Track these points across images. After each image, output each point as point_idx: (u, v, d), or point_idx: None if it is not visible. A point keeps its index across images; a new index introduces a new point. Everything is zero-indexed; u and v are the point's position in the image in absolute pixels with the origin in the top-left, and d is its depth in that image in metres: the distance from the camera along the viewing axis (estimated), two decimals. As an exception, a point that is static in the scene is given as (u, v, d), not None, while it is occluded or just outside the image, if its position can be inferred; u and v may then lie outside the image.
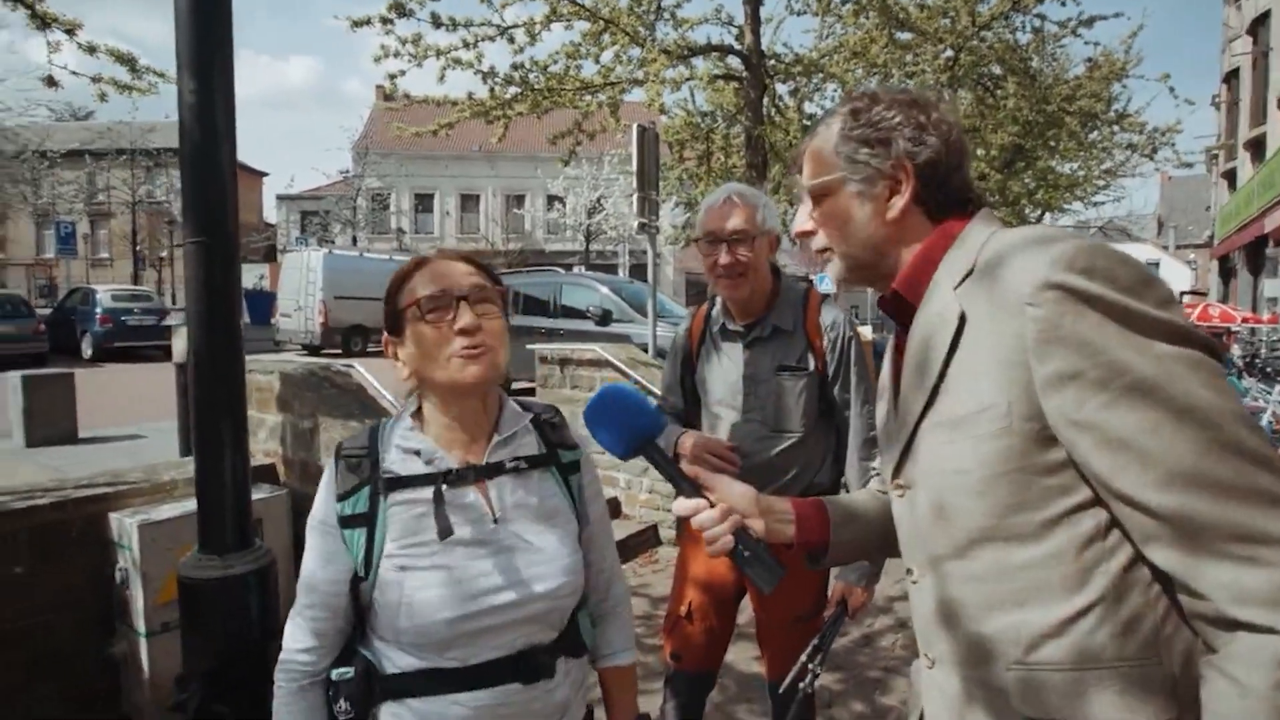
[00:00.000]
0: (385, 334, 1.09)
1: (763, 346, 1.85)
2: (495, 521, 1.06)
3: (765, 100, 5.42)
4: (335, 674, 1.04)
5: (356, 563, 1.03)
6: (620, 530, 4.71)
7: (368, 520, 1.03)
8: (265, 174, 40.66)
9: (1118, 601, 0.78)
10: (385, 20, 4.32)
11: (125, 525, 2.52)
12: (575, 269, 15.53)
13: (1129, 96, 9.74)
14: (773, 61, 5.60)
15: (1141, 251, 41.40)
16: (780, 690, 1.71)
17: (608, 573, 1.22)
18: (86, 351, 14.36)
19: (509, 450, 1.10)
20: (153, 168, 28.80)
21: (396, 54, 4.63)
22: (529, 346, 6.05)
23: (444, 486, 1.03)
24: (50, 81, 2.86)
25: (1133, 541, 0.77)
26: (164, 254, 29.48)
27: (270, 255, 33.48)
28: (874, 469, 1.20)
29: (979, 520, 0.84)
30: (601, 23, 4.60)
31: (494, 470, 1.08)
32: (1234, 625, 0.69)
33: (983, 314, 0.82)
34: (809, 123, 6.03)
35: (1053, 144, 9.03)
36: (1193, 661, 0.77)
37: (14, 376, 6.50)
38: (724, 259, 1.74)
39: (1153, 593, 0.78)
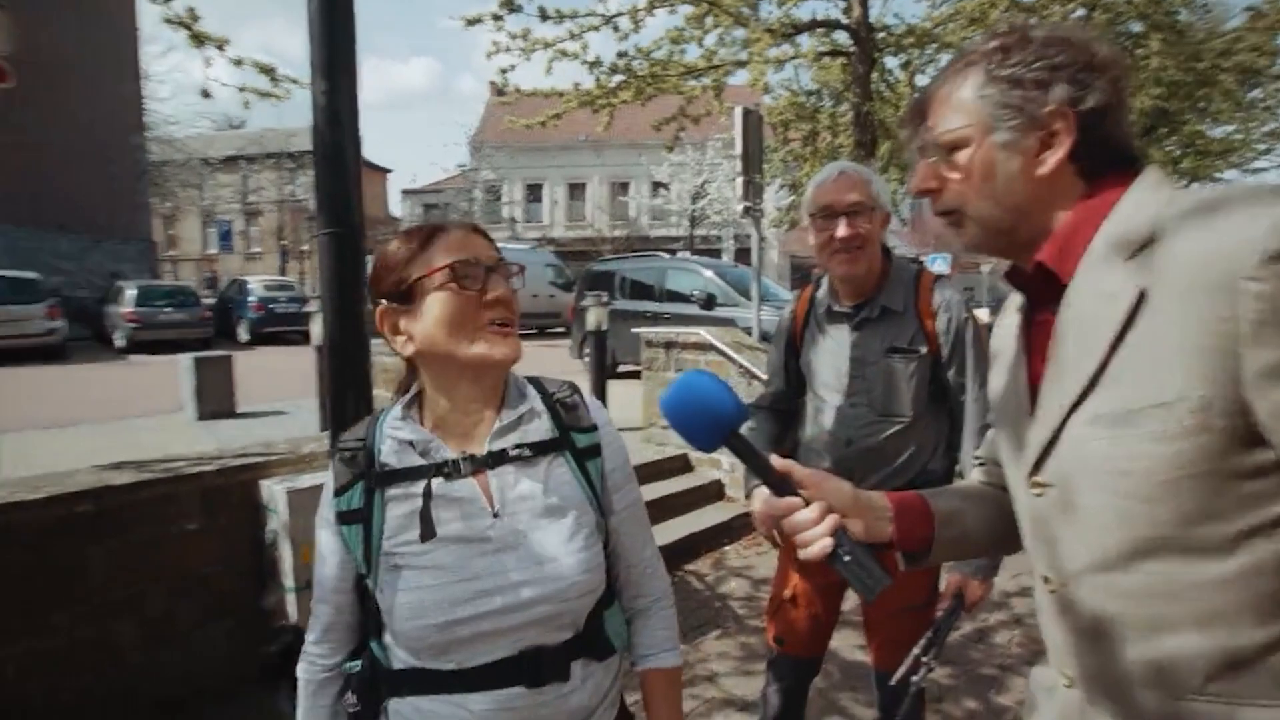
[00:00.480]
0: (381, 307, 0.97)
1: (872, 328, 1.79)
2: (495, 516, 0.96)
3: (874, 75, 5.21)
4: (347, 666, 1.03)
5: (357, 560, 0.98)
6: (723, 513, 4.74)
7: (363, 516, 0.97)
8: (389, 170, 43.29)
9: None
10: (496, 17, 4.51)
11: (275, 491, 2.84)
12: (680, 254, 15.57)
13: None
14: (882, 34, 5.37)
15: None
16: (892, 682, 1.66)
17: (641, 566, 1.10)
18: (242, 336, 15.96)
19: (514, 436, 1.00)
20: (295, 169, 31.47)
21: (507, 49, 4.82)
22: (634, 330, 6.16)
23: (440, 480, 0.96)
24: (205, 93, 3.23)
25: None
26: (305, 247, 32.17)
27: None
28: (978, 457, 1.09)
29: (1151, 529, 0.72)
30: (705, 5, 4.58)
31: (496, 459, 0.98)
32: None
33: (1171, 292, 0.69)
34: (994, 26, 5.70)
35: (1203, 106, 8.10)
36: None
37: (185, 358, 7.37)
38: (842, 231, 1.68)
39: None
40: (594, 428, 1.06)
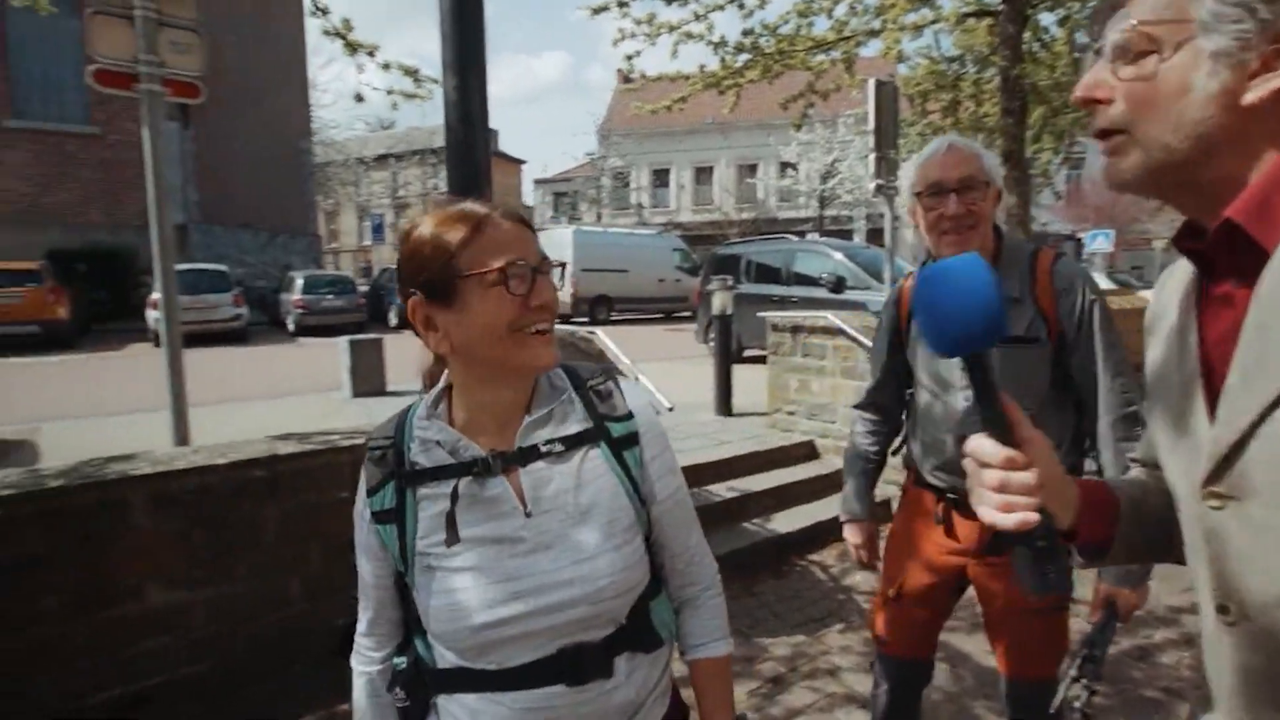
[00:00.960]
0: (415, 298, 0.91)
1: (994, 272, 1.65)
2: (527, 515, 0.92)
3: (1026, 35, 4.77)
4: (395, 661, 1.01)
5: (395, 559, 0.95)
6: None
7: (397, 516, 0.93)
8: (524, 162, 45.01)
9: None
10: (621, 3, 4.55)
11: (417, 463, 3.06)
12: (809, 236, 15.14)
13: None
14: (1037, -12, 4.90)
15: None
16: (1051, 712, 1.49)
17: (687, 555, 1.05)
18: (392, 321, 17.31)
19: (546, 431, 0.95)
20: (437, 164, 33.66)
21: (633, 35, 4.84)
22: (759, 314, 6.06)
23: (469, 480, 0.92)
24: (358, 97, 3.51)
25: None
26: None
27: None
28: (1133, 456, 0.98)
29: None
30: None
31: (527, 456, 0.93)
32: None
33: None
34: (1080, 55, 5.17)
35: None
36: None
37: (342, 341, 8.11)
38: (953, 208, 1.56)
39: None
40: (629, 415, 1.00)
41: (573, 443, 0.96)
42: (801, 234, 16.25)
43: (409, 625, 1.00)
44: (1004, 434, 0.75)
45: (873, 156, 5.17)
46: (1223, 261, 0.68)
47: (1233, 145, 0.64)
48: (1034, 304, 1.62)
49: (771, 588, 3.72)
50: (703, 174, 33.05)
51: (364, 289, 19.23)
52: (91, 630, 2.58)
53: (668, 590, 1.05)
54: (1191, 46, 0.63)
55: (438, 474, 0.93)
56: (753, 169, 31.69)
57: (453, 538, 0.91)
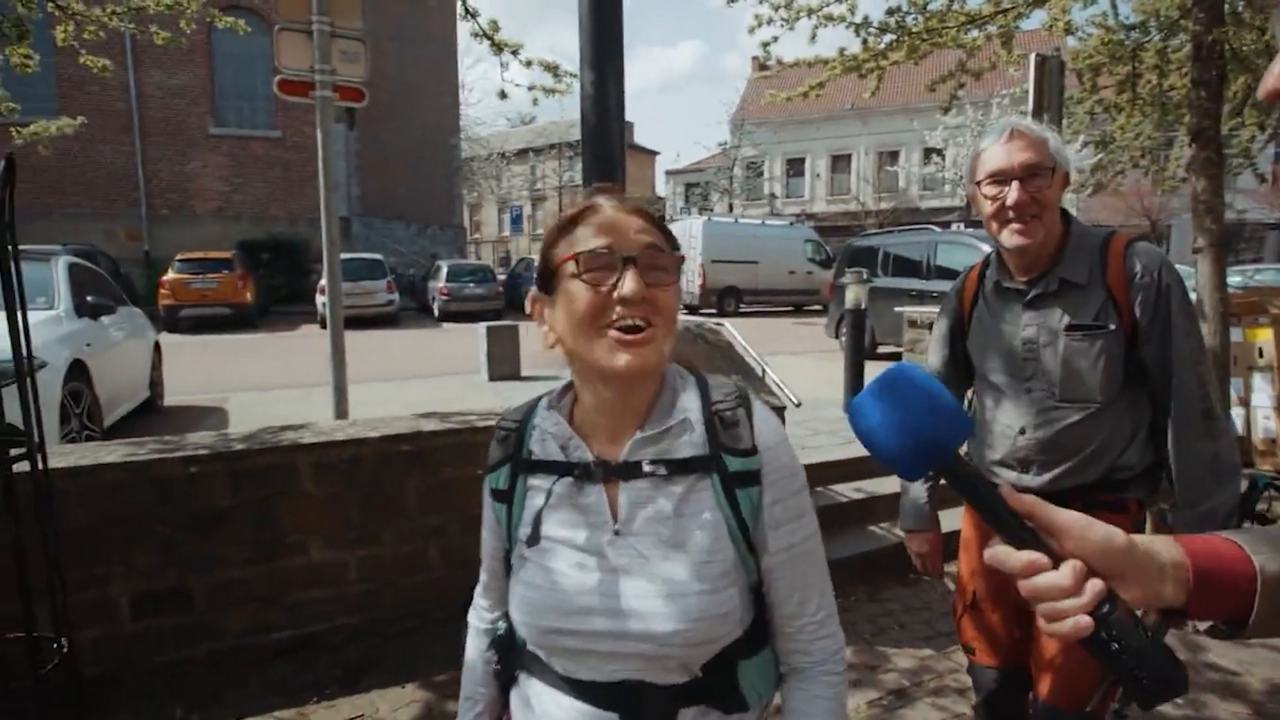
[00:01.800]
0: (533, 291, 0.91)
1: (1048, 304, 1.58)
2: (616, 533, 0.87)
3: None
4: (497, 625, 1.03)
5: (504, 536, 0.96)
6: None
7: (508, 498, 0.94)
8: (657, 153, 45.45)
9: None
10: (760, -11, 4.45)
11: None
12: (953, 226, 14.20)
13: None
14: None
15: None
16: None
17: (805, 618, 0.92)
18: (527, 308, 18.11)
19: (655, 449, 0.88)
20: (574, 157, 34.75)
21: (769, 20, 4.73)
22: (896, 309, 5.78)
23: (569, 481, 0.90)
24: (502, 94, 3.69)
25: None
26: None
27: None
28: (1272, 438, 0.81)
29: None
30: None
31: (630, 471, 0.88)
32: None
33: None
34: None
35: None
36: None
37: (480, 327, 8.59)
38: (1015, 196, 1.49)
39: None
40: (753, 451, 0.89)
41: (679, 468, 0.88)
42: (946, 224, 15.28)
43: None
44: (1020, 533, 0.64)
45: (1031, 139, 4.75)
46: None
47: None
48: (1105, 290, 1.54)
49: (898, 596, 3.55)
50: (840, 162, 31.88)
51: (502, 278, 20.24)
52: (266, 577, 2.91)
53: (776, 652, 0.94)
54: None
55: (548, 467, 0.91)
56: (894, 156, 30.14)
57: (534, 538, 0.90)
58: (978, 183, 1.57)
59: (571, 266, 0.83)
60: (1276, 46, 0.63)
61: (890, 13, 4.62)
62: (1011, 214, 1.51)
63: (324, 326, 15.45)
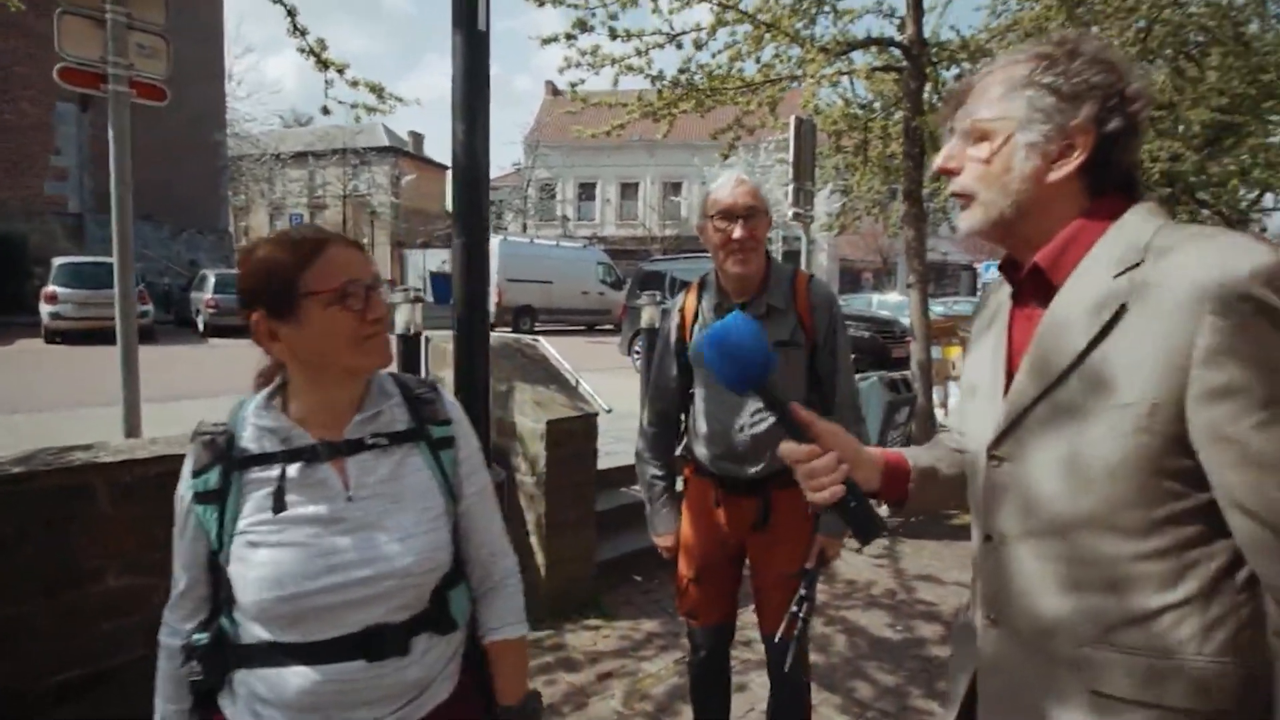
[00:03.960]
0: (258, 314, 1.01)
1: (760, 324, 1.98)
2: (349, 499, 1.04)
3: (926, 88, 5.43)
4: (194, 639, 1.07)
5: (210, 538, 1.03)
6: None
7: (219, 497, 1.02)
8: (448, 167, 44.33)
9: (1206, 604, 0.80)
10: (570, 36, 4.89)
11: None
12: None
13: None
14: (936, 49, 5.58)
15: None
16: (776, 640, 1.82)
17: (489, 547, 1.19)
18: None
19: (371, 427, 1.08)
20: (358, 165, 32.72)
21: (577, 64, 5.19)
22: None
23: (298, 464, 1.03)
24: (325, 110, 3.69)
25: (1229, 551, 0.79)
26: (365, 240, 33.37)
27: (450, 242, 36.89)
28: (945, 424, 1.30)
29: (1089, 507, 0.83)
30: (763, 27, 4.88)
31: (354, 447, 1.06)
32: None
33: (1149, 310, 0.78)
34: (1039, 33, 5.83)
35: (1271, 118, 8.00)
36: (1266, 669, 0.79)
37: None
38: (739, 233, 1.81)
39: (1240, 599, 0.80)
40: (448, 421, 1.15)
41: (397, 439, 1.09)
42: (723, 253, 16.90)
43: (216, 603, 1.07)
44: (801, 435, 0.97)
45: (791, 186, 5.70)
46: (1028, 289, 0.94)
47: (1041, 210, 0.88)
48: (795, 314, 1.92)
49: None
50: (628, 189, 33.65)
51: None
52: (51, 612, 2.65)
53: (469, 581, 1.17)
54: (1014, 138, 0.87)
55: (266, 459, 1.03)
56: (677, 187, 32.52)
57: (280, 506, 1.00)
58: (710, 217, 1.87)
59: (330, 296, 0.99)
60: (942, 136, 1.00)
61: (681, 70, 5.31)
62: (736, 246, 1.82)
63: (51, 340, 13.13)
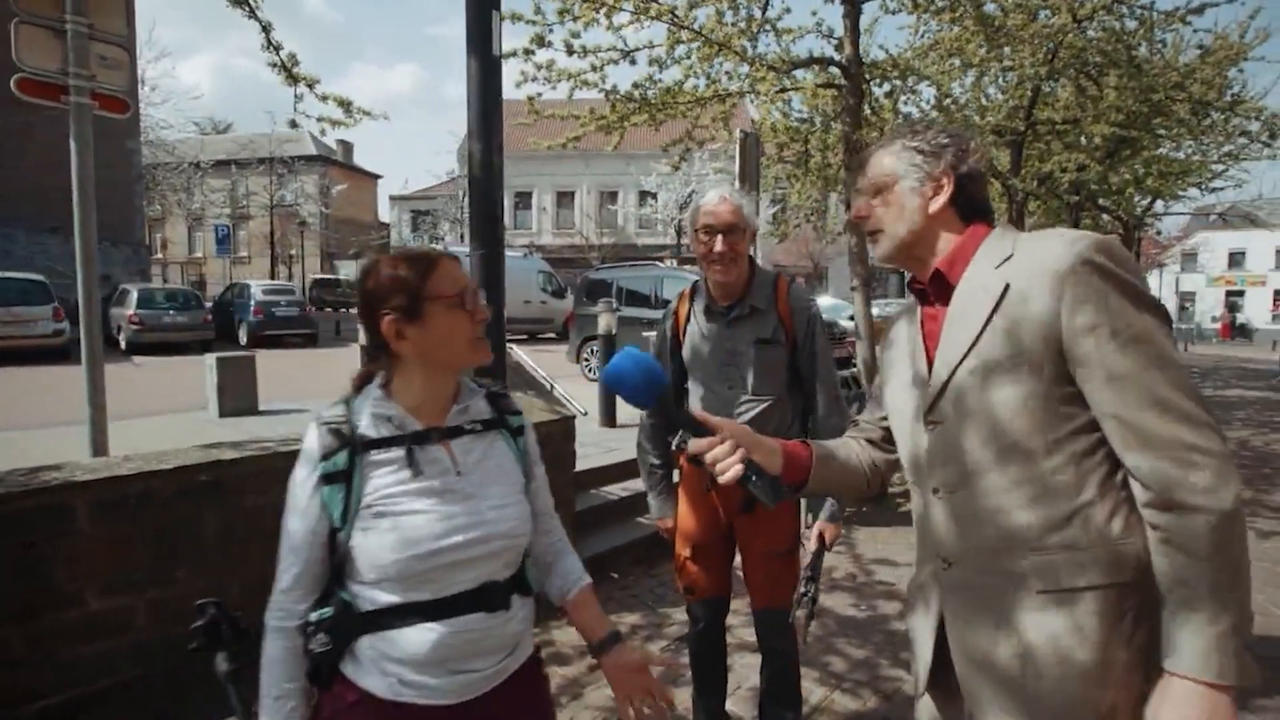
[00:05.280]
0: (390, 316, 1.17)
1: (743, 323, 2.10)
2: (458, 474, 1.22)
3: (863, 103, 5.79)
4: (314, 615, 1.18)
5: (333, 516, 1.16)
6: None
7: (346, 477, 1.16)
8: (380, 177, 43.36)
9: (1103, 499, 1.04)
10: (528, 51, 5.01)
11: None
12: (667, 262, 16.10)
13: (1244, 81, 9.19)
14: (869, 67, 5.95)
15: (1271, 238, 37.67)
16: (790, 620, 2.00)
17: (552, 519, 1.41)
18: (242, 339, 16.20)
19: (466, 416, 1.27)
20: (285, 174, 31.57)
21: (534, 79, 5.31)
22: (644, 334, 6.67)
23: (414, 445, 1.20)
24: (293, 124, 3.68)
25: (1109, 456, 1.03)
26: (294, 251, 32.23)
27: (384, 252, 35.87)
28: (855, 417, 1.45)
29: (1008, 440, 1.06)
30: (715, 46, 5.11)
31: (455, 431, 1.25)
32: (1178, 507, 0.96)
33: (1024, 284, 1.05)
34: (903, 121, 6.30)
35: (1160, 132, 8.80)
36: (1144, 543, 1.03)
37: (210, 358, 7.70)
38: (719, 247, 2.02)
39: (1123, 494, 1.05)
40: (519, 413, 1.37)
41: (486, 425, 1.30)
42: (660, 260, 17.21)
43: (333, 580, 1.19)
44: (702, 432, 1.20)
45: (738, 197, 5.96)
46: (933, 293, 1.21)
47: (930, 234, 1.20)
48: (776, 314, 2.12)
49: (668, 570, 4.26)
50: (564, 198, 33.68)
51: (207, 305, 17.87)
52: (28, 637, 2.58)
53: (534, 551, 1.36)
54: (900, 185, 1.20)
55: (386, 443, 1.20)
56: (614, 196, 32.77)
57: (417, 472, 1.18)
58: (695, 230, 2.08)
59: (449, 302, 1.19)
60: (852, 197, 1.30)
61: (635, 86, 5.50)
62: (716, 258, 2.04)
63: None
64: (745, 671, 2.98)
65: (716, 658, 2.40)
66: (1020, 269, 1.08)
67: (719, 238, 2.02)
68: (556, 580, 1.40)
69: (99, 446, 3.33)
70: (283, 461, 3.26)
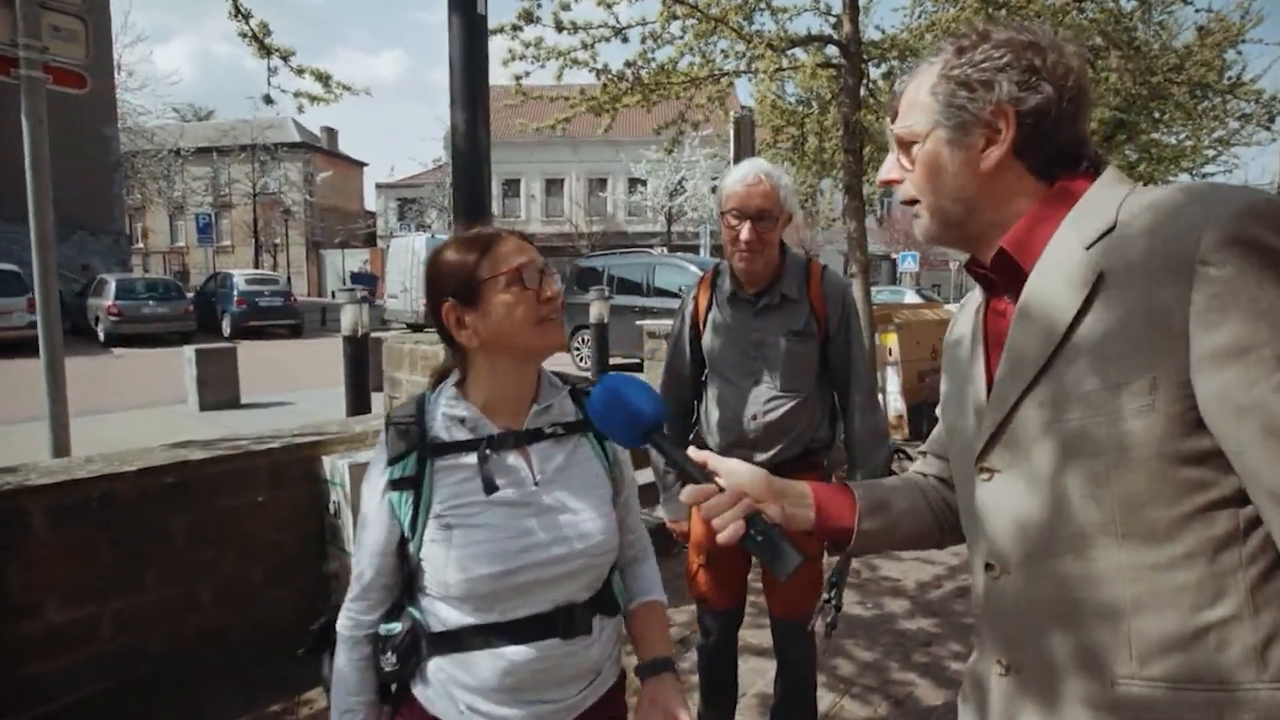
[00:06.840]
0: (448, 304, 1.08)
1: (772, 313, 1.92)
2: (536, 484, 1.09)
3: (861, 85, 5.62)
4: (383, 629, 1.10)
5: (403, 524, 1.07)
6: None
7: (415, 483, 1.06)
8: (365, 164, 42.78)
9: (1256, 615, 0.67)
10: (515, 28, 4.79)
11: (338, 465, 3.11)
12: (657, 250, 15.92)
13: (1244, 64, 9.11)
14: (868, 47, 5.77)
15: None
16: (809, 628, 1.87)
17: (637, 531, 1.26)
18: (225, 330, 15.91)
19: (548, 418, 1.13)
20: (268, 161, 31.01)
21: (521, 57, 5.09)
22: (638, 323, 6.50)
23: (487, 451, 1.07)
24: (268, 99, 3.47)
25: (1267, 548, 0.67)
26: (278, 240, 31.73)
27: (370, 241, 35.41)
28: (922, 450, 1.11)
29: (1099, 513, 0.71)
30: (712, 23, 4.92)
31: (534, 436, 1.11)
32: None
33: (1128, 275, 0.69)
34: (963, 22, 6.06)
35: (1157, 116, 8.69)
36: None
37: (188, 350, 7.51)
38: (745, 235, 1.81)
39: None
40: None
41: (570, 429, 1.15)
42: (650, 248, 17.03)
43: (404, 593, 1.11)
44: (696, 476, 0.91)
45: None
46: (1000, 281, 0.84)
47: (988, 201, 0.82)
48: (809, 303, 1.93)
49: (668, 569, 4.11)
50: (554, 185, 33.33)
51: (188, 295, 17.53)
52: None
53: (620, 560, 1.21)
54: (933, 136, 0.82)
55: (459, 447, 1.08)
56: (603, 183, 32.45)
57: (490, 487, 1.05)
58: (723, 212, 1.86)
59: (507, 279, 1.06)
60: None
61: (628, 64, 5.29)
62: (743, 246, 1.83)
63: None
64: (751, 677, 2.84)
65: (727, 670, 2.26)
66: (1124, 248, 0.70)
67: (746, 225, 1.81)
68: (628, 584, 1.26)
69: (61, 445, 3.13)
70: (258, 460, 3.09)
